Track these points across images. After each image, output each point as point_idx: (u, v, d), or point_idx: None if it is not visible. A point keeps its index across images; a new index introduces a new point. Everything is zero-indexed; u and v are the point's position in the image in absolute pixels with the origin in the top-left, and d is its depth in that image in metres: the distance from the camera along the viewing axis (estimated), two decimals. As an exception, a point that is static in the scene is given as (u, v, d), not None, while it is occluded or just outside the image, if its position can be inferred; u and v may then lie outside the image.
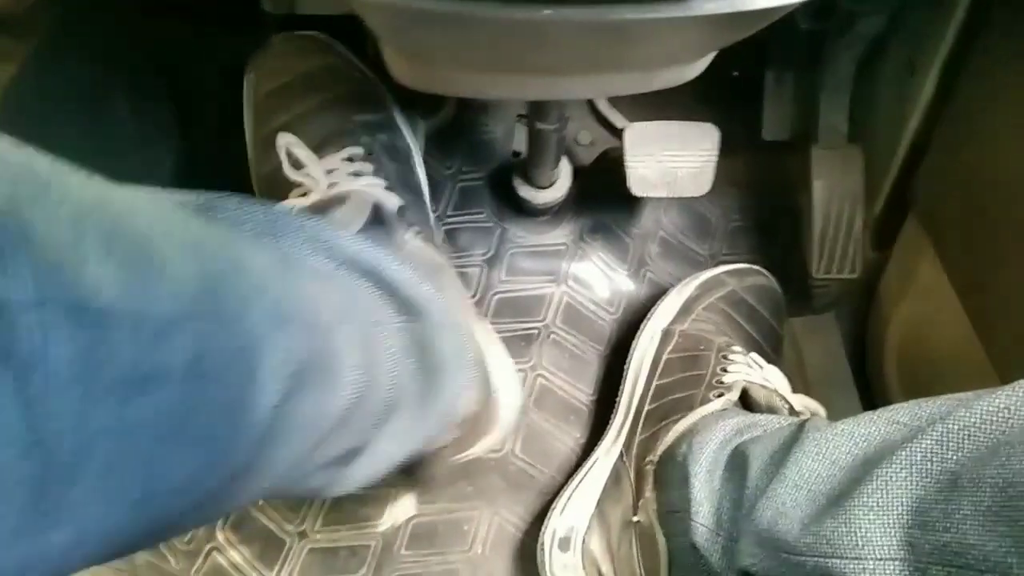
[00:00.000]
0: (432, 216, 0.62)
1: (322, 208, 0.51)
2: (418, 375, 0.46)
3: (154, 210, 0.28)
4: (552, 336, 0.78)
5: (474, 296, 0.79)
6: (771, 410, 0.60)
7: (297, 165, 0.54)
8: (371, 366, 0.40)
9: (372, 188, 0.55)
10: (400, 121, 0.66)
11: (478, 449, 0.61)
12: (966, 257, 0.66)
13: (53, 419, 0.21)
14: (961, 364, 0.67)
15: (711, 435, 0.56)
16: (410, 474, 0.55)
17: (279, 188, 0.56)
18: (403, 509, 0.70)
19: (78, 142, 0.70)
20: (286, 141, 0.53)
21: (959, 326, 0.66)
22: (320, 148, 0.58)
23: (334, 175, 0.55)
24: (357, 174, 0.57)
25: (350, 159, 0.58)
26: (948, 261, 0.68)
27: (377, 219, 0.53)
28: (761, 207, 0.86)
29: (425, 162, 0.69)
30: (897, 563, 0.38)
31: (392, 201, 0.56)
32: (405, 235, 0.55)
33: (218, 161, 0.85)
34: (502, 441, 0.64)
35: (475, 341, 0.55)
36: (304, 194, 0.54)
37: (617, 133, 0.81)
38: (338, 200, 0.52)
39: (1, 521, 0.21)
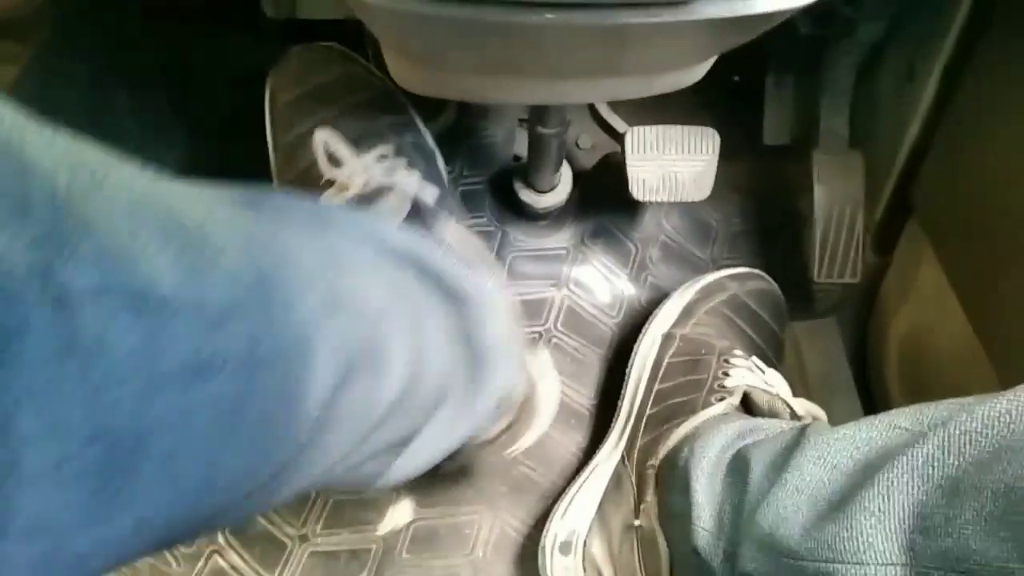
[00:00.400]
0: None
1: (363, 202, 0.52)
2: (466, 363, 0.46)
3: (205, 202, 0.28)
4: (553, 340, 0.78)
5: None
6: (773, 414, 0.60)
7: (335, 162, 0.54)
8: (420, 354, 0.40)
9: (410, 180, 0.55)
10: (420, 124, 0.67)
11: (526, 440, 0.60)
12: (967, 261, 0.66)
13: (116, 407, 0.22)
14: (962, 368, 0.67)
15: (713, 439, 0.56)
16: (461, 462, 0.55)
17: (309, 190, 0.56)
18: (404, 512, 0.70)
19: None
20: (323, 137, 0.54)
21: (960, 330, 0.66)
22: (351, 149, 0.59)
23: (370, 172, 0.56)
24: (392, 170, 0.57)
25: (383, 156, 0.58)
26: (949, 265, 0.68)
27: (416, 211, 0.54)
28: (762, 211, 0.86)
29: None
30: (899, 568, 0.38)
31: (431, 192, 0.56)
32: (446, 224, 0.55)
33: (220, 165, 0.86)
34: (541, 431, 0.63)
35: (518, 329, 0.54)
36: (342, 191, 0.55)
37: (618, 137, 0.81)
38: (378, 193, 0.53)
39: (68, 509, 0.21)
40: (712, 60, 0.49)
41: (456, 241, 0.54)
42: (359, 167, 0.54)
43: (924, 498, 0.39)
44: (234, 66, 0.87)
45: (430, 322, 0.43)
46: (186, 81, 0.85)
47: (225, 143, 0.87)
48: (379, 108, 0.64)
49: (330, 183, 0.55)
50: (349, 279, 0.36)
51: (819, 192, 0.75)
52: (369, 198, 0.52)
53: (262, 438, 0.28)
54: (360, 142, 0.60)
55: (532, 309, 0.80)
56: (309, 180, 0.55)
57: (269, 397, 0.28)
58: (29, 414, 0.19)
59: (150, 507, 0.24)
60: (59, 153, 0.22)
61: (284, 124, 0.64)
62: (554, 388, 0.62)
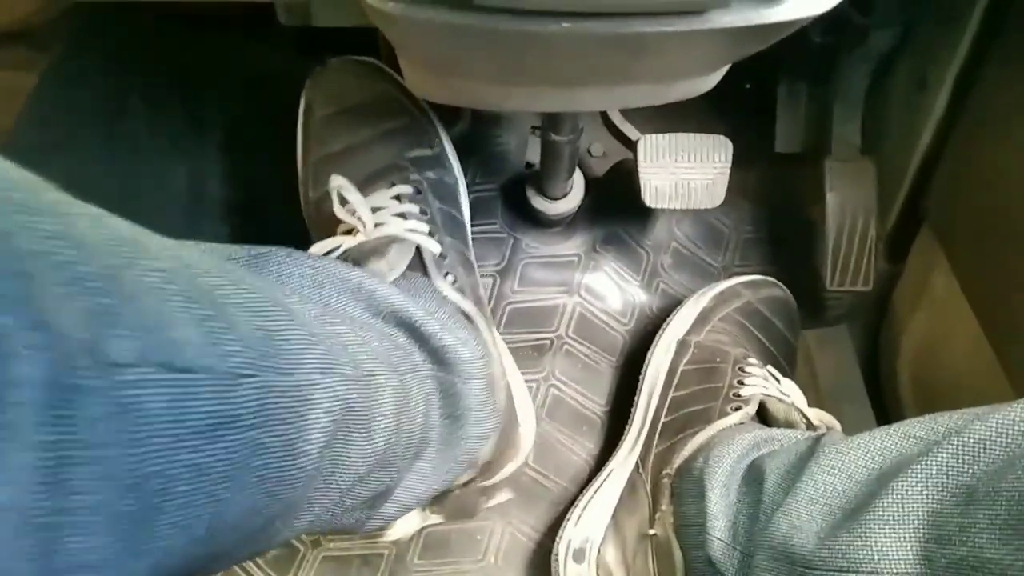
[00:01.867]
0: (472, 257, 0.64)
1: (368, 250, 0.54)
2: (445, 421, 0.50)
3: (218, 269, 0.32)
4: (565, 347, 0.79)
5: (487, 306, 0.79)
6: (789, 424, 0.60)
7: (344, 204, 0.56)
8: (403, 412, 0.44)
9: (416, 234, 0.57)
10: (449, 153, 0.68)
11: (502, 475, 0.63)
12: (980, 269, 0.66)
13: (150, 461, 0.25)
14: (975, 377, 0.67)
15: (728, 449, 0.56)
16: (436, 505, 0.59)
17: (328, 215, 0.58)
18: (415, 518, 0.70)
19: (96, 151, 0.71)
20: (337, 184, 0.55)
21: (973, 338, 0.66)
22: (369, 182, 0.60)
23: (381, 214, 0.57)
24: (403, 216, 0.58)
25: (398, 198, 0.60)
26: (961, 273, 0.68)
27: (419, 261, 0.57)
28: (774, 219, 0.86)
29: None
30: None
31: (433, 248, 0.58)
32: (442, 284, 0.57)
33: (230, 175, 0.86)
34: (520, 464, 0.65)
35: (502, 390, 0.58)
36: (350, 231, 0.56)
37: (630, 145, 0.81)
38: (383, 243, 0.55)
39: (107, 549, 0.23)
40: (725, 68, 0.49)
41: (448, 300, 0.56)
42: (368, 215, 0.55)
43: (938, 507, 0.39)
44: (247, 74, 0.88)
45: (414, 381, 0.46)
46: (200, 89, 0.86)
47: (236, 153, 0.87)
48: (408, 138, 0.65)
49: (340, 221, 0.57)
50: (343, 338, 0.40)
51: (831, 200, 0.75)
52: (374, 246, 0.54)
53: (263, 489, 0.31)
54: (380, 175, 0.61)
55: (543, 316, 0.80)
56: (329, 207, 0.57)
57: (272, 451, 0.31)
58: (81, 466, 0.22)
59: (165, 553, 0.26)
60: (104, 230, 0.26)
61: (317, 141, 0.65)
62: (531, 424, 0.65)
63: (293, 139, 0.86)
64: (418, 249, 0.56)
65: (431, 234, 0.59)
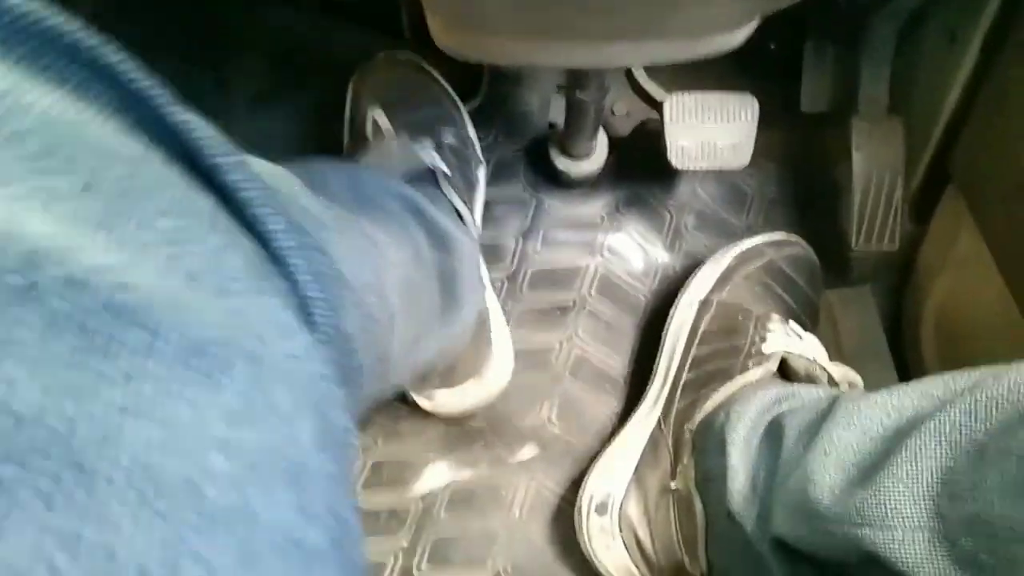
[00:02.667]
0: (477, 209, 0.72)
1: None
2: (447, 296, 0.57)
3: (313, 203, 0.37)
4: (588, 308, 0.79)
5: (510, 267, 0.80)
6: (811, 380, 0.61)
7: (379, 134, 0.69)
8: (423, 285, 0.52)
9: (428, 155, 0.66)
10: (472, 137, 0.76)
11: (469, 394, 0.69)
12: (1007, 228, 0.65)
13: None
14: (1000, 336, 0.67)
15: (750, 405, 0.57)
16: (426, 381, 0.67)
17: None
18: (442, 474, 0.72)
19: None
20: (375, 115, 0.68)
21: (999, 298, 0.66)
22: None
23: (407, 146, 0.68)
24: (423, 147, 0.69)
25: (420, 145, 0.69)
26: (988, 232, 0.67)
27: (433, 179, 0.65)
28: (798, 179, 0.85)
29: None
30: (926, 533, 0.38)
31: (443, 168, 0.66)
32: (447, 187, 0.65)
33: (255, 135, 0.87)
34: (489, 398, 0.71)
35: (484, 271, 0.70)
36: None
37: (655, 104, 0.81)
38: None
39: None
40: (754, 24, 0.48)
41: (453, 198, 0.66)
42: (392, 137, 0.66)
43: (951, 464, 0.39)
44: (273, 35, 0.88)
45: (423, 265, 0.54)
46: (225, 51, 0.86)
47: (263, 112, 0.88)
48: (440, 124, 0.73)
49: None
50: (382, 233, 0.48)
51: (857, 159, 0.74)
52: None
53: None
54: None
55: (566, 277, 0.80)
56: None
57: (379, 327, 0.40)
58: None
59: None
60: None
61: (361, 125, 0.73)
62: (506, 361, 0.72)
63: (318, 103, 0.87)
64: (432, 171, 0.65)
65: (447, 171, 0.67)
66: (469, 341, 0.66)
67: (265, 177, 0.27)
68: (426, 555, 0.68)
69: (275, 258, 0.24)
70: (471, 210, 0.70)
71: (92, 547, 0.14)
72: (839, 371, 0.61)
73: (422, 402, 0.70)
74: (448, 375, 0.68)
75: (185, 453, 0.16)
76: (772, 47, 0.84)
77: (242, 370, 0.19)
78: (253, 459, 0.18)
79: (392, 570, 0.67)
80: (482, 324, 0.69)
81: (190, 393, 0.17)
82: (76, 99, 0.20)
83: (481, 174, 0.76)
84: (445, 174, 0.66)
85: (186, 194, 0.21)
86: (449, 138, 0.72)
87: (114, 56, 0.21)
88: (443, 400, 0.69)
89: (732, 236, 0.83)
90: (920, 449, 0.40)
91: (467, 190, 0.70)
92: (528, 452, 0.73)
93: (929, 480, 0.39)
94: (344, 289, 0.32)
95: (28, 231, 0.15)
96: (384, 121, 0.70)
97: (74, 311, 0.15)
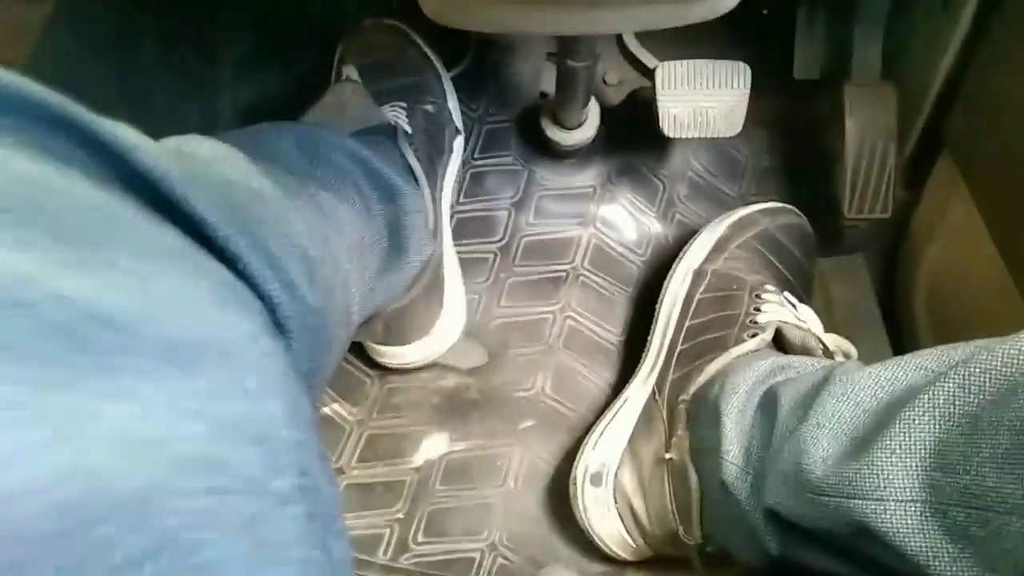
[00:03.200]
0: (433, 206, 0.70)
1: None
2: (392, 251, 0.59)
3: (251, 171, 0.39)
4: (581, 278, 0.79)
5: (502, 239, 0.80)
6: (805, 350, 0.61)
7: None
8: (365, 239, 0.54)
9: (391, 113, 0.69)
10: (452, 109, 0.77)
11: (415, 350, 0.72)
12: (1000, 195, 0.65)
13: None
14: (992, 303, 0.67)
15: (744, 375, 0.57)
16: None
17: None
18: (437, 446, 0.72)
19: (109, 87, 0.71)
20: (348, 72, 0.69)
21: (991, 265, 0.66)
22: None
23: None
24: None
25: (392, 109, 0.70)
26: (981, 199, 0.67)
27: (390, 133, 0.66)
28: (791, 147, 0.85)
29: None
30: (919, 505, 0.39)
31: (405, 127, 0.68)
32: (404, 147, 0.66)
33: (242, 109, 0.86)
34: (436, 354, 0.73)
35: (438, 234, 0.70)
36: None
37: (646, 72, 0.80)
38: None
39: None
40: (747, -12, 0.48)
41: (409, 157, 0.66)
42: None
43: (944, 436, 0.39)
44: (258, 6, 0.87)
45: (370, 217, 0.56)
46: (211, 24, 0.85)
47: (250, 86, 0.87)
48: (420, 91, 0.74)
49: None
50: (332, 194, 0.50)
51: (850, 126, 0.74)
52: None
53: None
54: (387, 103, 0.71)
55: (559, 248, 0.80)
56: None
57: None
58: None
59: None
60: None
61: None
62: (456, 320, 0.74)
63: (304, 70, 0.86)
64: (394, 128, 0.66)
65: (408, 130, 0.69)
66: (420, 296, 0.67)
67: (212, 177, 0.32)
68: (422, 526, 0.68)
69: (242, 275, 0.28)
70: (437, 172, 0.72)
71: None
72: (833, 341, 0.61)
73: (371, 354, 0.73)
74: (399, 333, 0.70)
75: (159, 421, 0.19)
76: (764, 12, 0.83)
77: (213, 362, 0.22)
78: (223, 423, 0.21)
79: (388, 542, 0.68)
80: (435, 284, 0.70)
81: (165, 381, 0.20)
82: (42, 155, 0.23)
83: (457, 143, 0.77)
84: (406, 132, 0.68)
85: (150, 232, 0.24)
86: (426, 105, 0.73)
87: (75, 110, 0.23)
88: (392, 353, 0.72)
89: (725, 205, 0.82)
90: (913, 421, 0.40)
91: (434, 153, 0.72)
92: (523, 423, 0.73)
93: (922, 452, 0.39)
94: (309, 289, 0.35)
95: (12, 268, 0.19)
96: (354, 75, 0.71)
97: (65, 319, 0.19)
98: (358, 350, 0.74)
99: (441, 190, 0.72)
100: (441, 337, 0.72)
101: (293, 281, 0.33)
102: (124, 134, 0.25)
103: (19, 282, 0.18)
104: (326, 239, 0.44)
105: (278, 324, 0.30)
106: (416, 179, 0.65)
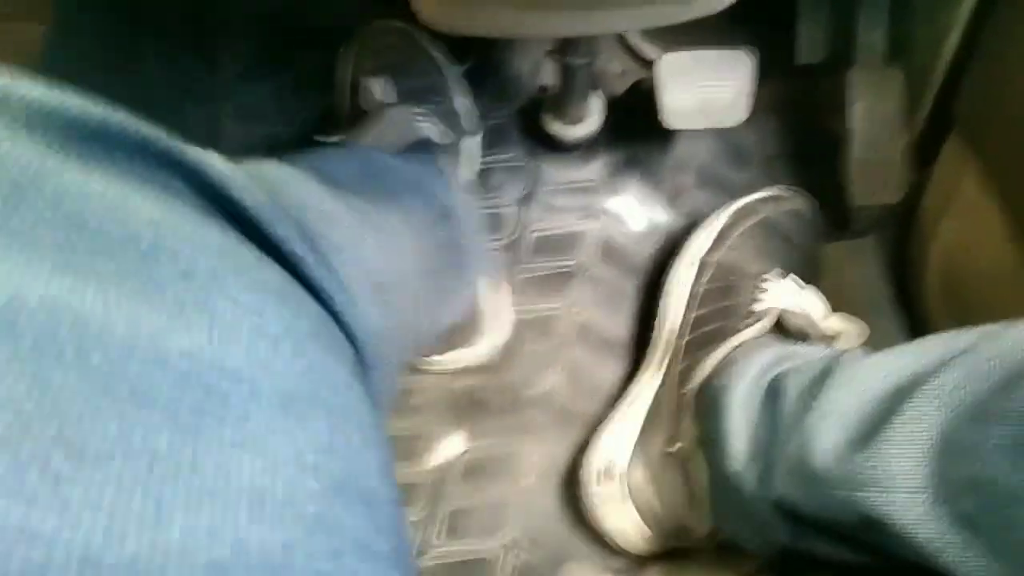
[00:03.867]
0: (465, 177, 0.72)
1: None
2: (451, 269, 0.59)
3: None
4: (590, 272, 0.79)
5: (509, 236, 0.80)
6: (806, 336, 0.60)
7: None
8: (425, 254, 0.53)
9: (420, 124, 0.68)
10: (460, 108, 0.76)
11: (463, 354, 0.72)
12: (1012, 173, 0.64)
13: None
14: (1006, 283, 0.67)
15: (749, 365, 0.57)
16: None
17: None
18: (454, 446, 0.72)
19: (111, 97, 0.71)
20: (369, 84, 0.69)
21: (1003, 244, 0.65)
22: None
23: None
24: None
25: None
26: (993, 178, 0.66)
27: (430, 150, 0.66)
28: (797, 133, 0.84)
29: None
30: (925, 494, 0.39)
31: (436, 138, 0.68)
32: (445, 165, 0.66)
33: (244, 115, 0.86)
34: (486, 358, 0.73)
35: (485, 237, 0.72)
36: None
37: (648, 64, 0.79)
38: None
39: None
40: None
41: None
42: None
43: (951, 424, 0.39)
44: (259, 12, 0.87)
45: (431, 238, 0.56)
46: (212, 31, 0.85)
47: (252, 93, 0.87)
48: (430, 94, 0.73)
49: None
50: (396, 218, 0.49)
51: (856, 111, 0.73)
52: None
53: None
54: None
55: (565, 242, 0.80)
56: None
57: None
58: None
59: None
60: None
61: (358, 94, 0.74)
62: (502, 330, 0.74)
63: (306, 77, 0.86)
64: (427, 141, 0.66)
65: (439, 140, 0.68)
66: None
67: (290, 202, 0.32)
68: (442, 527, 0.69)
69: (334, 316, 0.29)
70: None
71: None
72: (840, 323, 0.61)
73: (430, 366, 0.73)
74: (453, 339, 0.70)
75: (287, 478, 0.20)
76: (766, -3, 0.82)
77: (323, 414, 0.23)
78: (337, 482, 0.22)
79: (412, 543, 0.68)
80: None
81: (288, 434, 0.21)
82: (165, 194, 0.23)
83: (468, 144, 0.77)
84: (438, 145, 0.68)
85: (259, 271, 0.25)
86: (439, 108, 0.72)
87: (174, 144, 0.24)
88: (447, 360, 0.72)
89: (733, 193, 0.81)
90: (919, 410, 0.40)
91: (453, 159, 0.72)
92: (537, 420, 0.73)
93: (928, 442, 0.39)
94: (381, 316, 0.35)
95: (139, 322, 0.19)
96: (379, 91, 0.70)
97: (191, 369, 0.19)
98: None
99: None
100: (495, 334, 0.73)
101: (370, 313, 0.34)
102: (217, 165, 0.25)
103: (152, 337, 0.19)
104: (396, 264, 0.44)
105: (362, 364, 0.30)
106: (461, 192, 0.66)
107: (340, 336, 0.28)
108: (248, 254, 0.25)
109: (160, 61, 0.78)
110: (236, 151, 0.44)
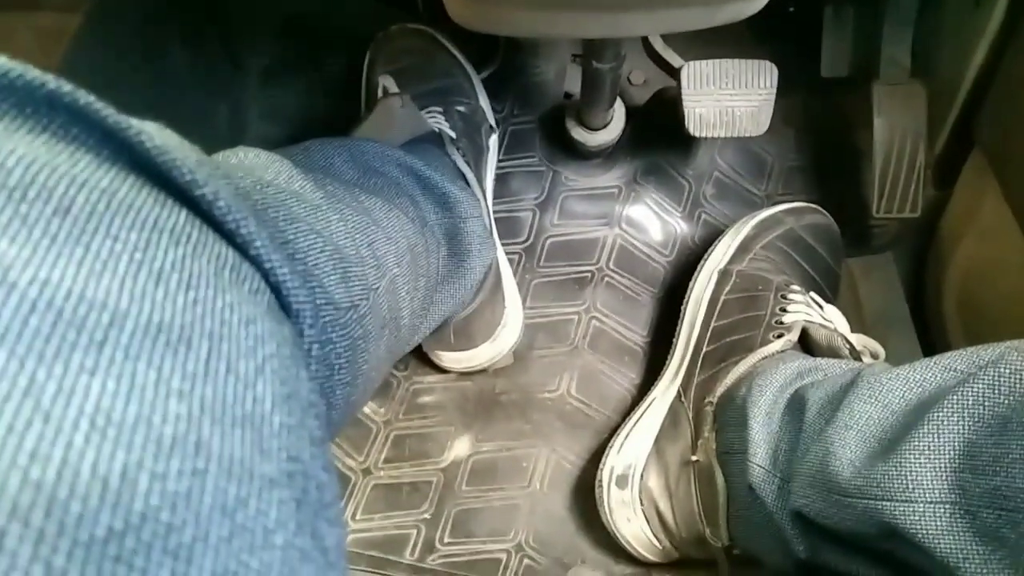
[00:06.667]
0: (485, 204, 0.71)
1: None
2: (453, 258, 0.60)
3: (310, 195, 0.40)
4: (606, 279, 0.79)
5: (527, 240, 0.80)
6: (832, 351, 0.60)
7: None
8: (421, 254, 0.54)
9: (434, 121, 0.69)
10: (484, 107, 0.77)
11: (482, 352, 0.72)
12: (1031, 196, 0.64)
13: None
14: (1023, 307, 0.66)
15: (771, 378, 0.57)
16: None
17: None
18: (463, 447, 0.72)
19: (139, 91, 0.72)
20: (384, 81, 0.70)
21: (1023, 265, 0.65)
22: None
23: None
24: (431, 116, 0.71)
25: (430, 114, 0.71)
26: (1013, 198, 0.66)
27: (438, 141, 0.66)
28: (819, 146, 0.84)
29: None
30: (948, 506, 0.38)
31: (448, 132, 0.69)
32: (452, 152, 0.67)
33: (269, 111, 0.87)
34: (498, 357, 0.73)
35: (491, 226, 0.70)
36: None
37: (672, 72, 0.79)
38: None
39: None
40: (774, -11, 0.47)
41: (459, 161, 0.67)
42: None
43: (973, 437, 0.39)
44: (284, 10, 0.88)
45: (428, 231, 0.56)
46: (238, 27, 0.86)
47: (276, 88, 0.87)
48: (452, 95, 0.74)
49: None
50: (383, 202, 0.50)
51: (879, 125, 0.73)
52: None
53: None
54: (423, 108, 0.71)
55: (584, 248, 0.80)
56: None
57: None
58: None
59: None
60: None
61: (375, 94, 0.74)
62: (516, 323, 0.74)
63: (331, 75, 0.86)
64: (439, 135, 0.67)
65: (453, 135, 0.69)
66: (486, 299, 0.68)
67: (245, 179, 0.33)
68: (448, 527, 0.69)
69: (251, 259, 0.28)
70: (481, 174, 0.72)
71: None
72: (860, 341, 0.60)
73: (437, 360, 0.74)
74: (467, 337, 0.70)
75: (144, 400, 0.19)
76: (791, 9, 0.82)
77: (203, 344, 0.22)
78: (209, 404, 0.21)
79: (415, 542, 0.68)
80: (496, 287, 0.70)
81: (154, 359, 0.20)
82: (57, 140, 0.23)
83: (492, 141, 0.77)
84: (451, 137, 0.68)
85: (155, 212, 0.24)
86: (459, 106, 0.73)
87: (88, 99, 0.24)
88: (461, 358, 0.72)
89: (752, 205, 0.82)
90: (942, 422, 0.40)
91: (476, 154, 0.72)
92: (548, 424, 0.73)
93: (951, 453, 0.39)
94: (339, 285, 0.36)
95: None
96: (392, 86, 0.71)
97: (52, 300, 0.19)
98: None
99: (485, 191, 0.73)
100: (509, 334, 0.73)
101: (314, 273, 0.33)
102: (137, 123, 0.25)
103: (5, 269, 0.19)
104: (371, 243, 0.44)
105: (288, 310, 0.30)
106: (468, 183, 0.66)
107: (254, 281, 0.28)
108: (143, 196, 0.24)
109: (186, 60, 0.79)
110: (262, 145, 0.45)
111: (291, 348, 0.27)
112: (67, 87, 0.23)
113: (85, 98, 0.23)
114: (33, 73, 0.22)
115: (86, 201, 0.22)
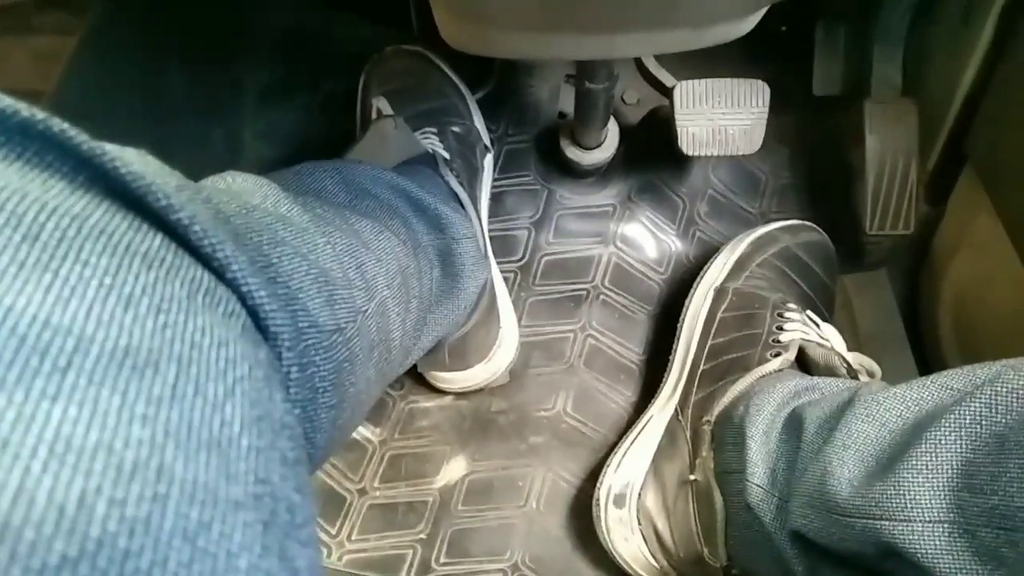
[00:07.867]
0: (480, 227, 0.71)
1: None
2: (446, 280, 0.60)
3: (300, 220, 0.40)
4: (601, 297, 0.79)
5: (522, 258, 0.80)
6: (829, 369, 0.60)
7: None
8: (414, 276, 0.53)
9: (427, 142, 0.69)
10: (479, 127, 0.78)
11: (477, 373, 0.72)
12: (1022, 213, 0.64)
13: None
14: (1018, 320, 0.67)
15: (769, 397, 0.57)
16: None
17: None
18: (458, 466, 0.72)
19: (135, 114, 0.72)
20: (379, 104, 0.70)
21: (1016, 281, 0.65)
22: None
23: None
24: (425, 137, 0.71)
25: (424, 135, 0.71)
26: (1005, 215, 0.66)
27: (431, 163, 0.66)
28: (812, 164, 0.85)
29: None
30: (946, 525, 0.38)
31: (442, 153, 0.69)
32: (447, 173, 0.66)
33: (266, 134, 0.87)
34: (493, 377, 0.73)
35: (486, 246, 0.71)
36: None
37: (665, 91, 0.80)
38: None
39: None
40: (764, 10, 0.48)
41: (452, 183, 0.67)
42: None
43: (971, 456, 0.39)
44: (282, 34, 0.88)
45: (420, 253, 0.56)
46: (235, 50, 0.86)
47: (274, 112, 0.88)
48: (446, 115, 0.75)
49: None
50: (373, 224, 0.49)
51: (871, 142, 0.74)
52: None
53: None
54: (417, 129, 0.71)
55: (579, 266, 0.80)
56: None
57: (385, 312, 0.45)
58: None
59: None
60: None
61: (373, 114, 0.74)
62: (511, 343, 0.74)
63: (327, 97, 0.87)
64: (432, 156, 0.67)
65: (447, 155, 0.69)
66: (481, 319, 0.68)
67: (230, 203, 0.34)
68: (444, 547, 0.68)
69: (229, 284, 0.28)
70: (475, 194, 0.72)
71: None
72: (857, 359, 0.61)
73: (432, 381, 0.73)
74: (462, 358, 0.70)
75: (104, 425, 0.19)
76: (783, 29, 0.83)
77: (171, 367, 0.22)
78: (174, 428, 0.21)
79: (411, 563, 0.68)
80: (492, 305, 0.70)
81: (117, 383, 0.20)
82: (30, 168, 0.23)
83: (487, 161, 0.78)
84: (445, 158, 0.68)
85: (127, 237, 0.24)
86: (454, 127, 0.73)
87: (61, 126, 0.24)
88: (451, 378, 0.72)
89: (746, 222, 0.82)
90: (940, 441, 0.40)
91: (470, 175, 0.72)
92: (544, 443, 0.73)
93: (949, 472, 0.39)
94: (324, 308, 0.36)
95: None
96: (386, 107, 0.72)
97: (15, 326, 0.19)
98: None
99: (480, 211, 0.73)
100: (504, 354, 0.73)
101: (297, 296, 0.34)
102: (113, 150, 0.25)
103: None
104: (359, 265, 0.44)
105: (266, 332, 0.30)
106: (462, 204, 0.66)
107: (228, 304, 0.28)
108: (116, 221, 0.24)
109: (182, 82, 0.79)
110: (258, 172, 0.45)
111: (265, 370, 0.27)
112: (40, 115, 0.23)
113: (59, 125, 0.23)
114: (6, 102, 0.23)
115: (56, 227, 0.22)
